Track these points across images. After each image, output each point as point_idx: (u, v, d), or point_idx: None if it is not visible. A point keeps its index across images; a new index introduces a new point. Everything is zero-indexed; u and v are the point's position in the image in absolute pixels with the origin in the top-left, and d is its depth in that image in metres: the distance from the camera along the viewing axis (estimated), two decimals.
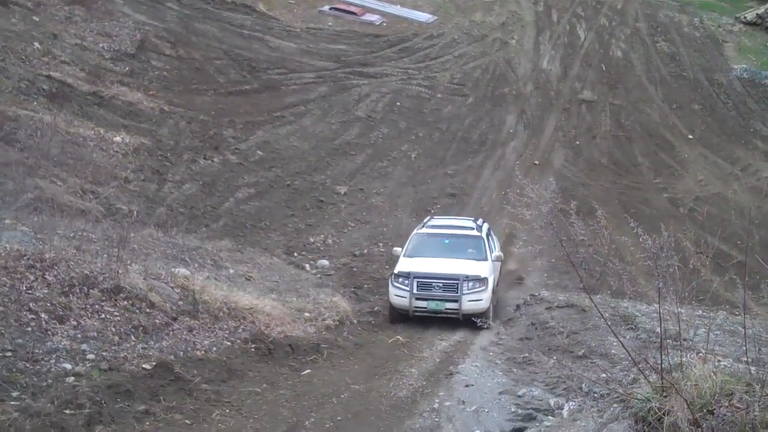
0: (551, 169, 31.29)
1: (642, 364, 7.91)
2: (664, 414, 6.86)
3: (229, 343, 12.75)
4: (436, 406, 11.79)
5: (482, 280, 18.99)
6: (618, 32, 44.23)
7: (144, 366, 10.40)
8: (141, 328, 11.68)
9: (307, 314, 16.25)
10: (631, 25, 45.06)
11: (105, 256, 13.33)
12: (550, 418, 10.94)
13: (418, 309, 18.88)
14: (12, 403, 8.24)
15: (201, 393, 10.62)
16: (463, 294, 18.74)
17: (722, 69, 41.83)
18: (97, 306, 11.54)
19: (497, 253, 21.08)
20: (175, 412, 9.84)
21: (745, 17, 47.75)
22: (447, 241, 20.86)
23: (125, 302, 12.05)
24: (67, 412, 8.59)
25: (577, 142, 34.39)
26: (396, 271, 19.45)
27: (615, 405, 8.96)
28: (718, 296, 15.86)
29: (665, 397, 7.04)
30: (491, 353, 15.62)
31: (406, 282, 18.93)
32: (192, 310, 13.16)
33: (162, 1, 37.20)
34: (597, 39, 43.32)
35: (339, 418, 10.85)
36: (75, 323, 10.79)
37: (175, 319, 12.60)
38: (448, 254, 20.05)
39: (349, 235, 25.19)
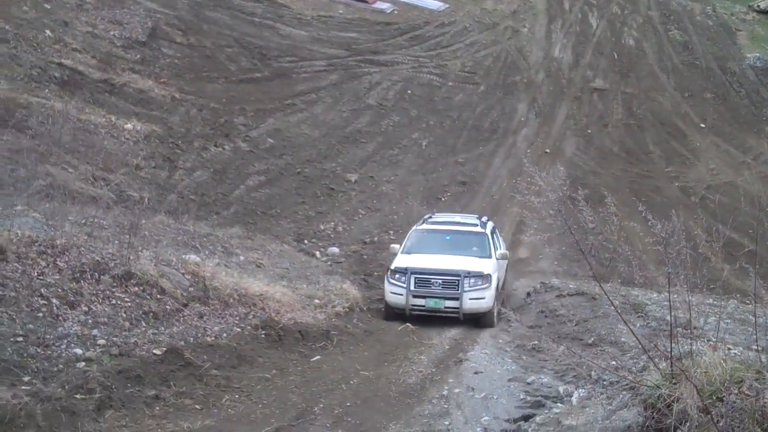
0: (562, 158, 31.21)
1: (652, 351, 7.89)
2: (673, 401, 6.85)
3: (239, 330, 12.78)
4: (445, 392, 11.81)
5: (485, 277, 17.77)
6: (630, 20, 44.01)
7: (154, 351, 10.44)
8: (152, 314, 11.72)
9: (317, 301, 16.28)
10: (644, 14, 44.83)
11: (116, 242, 13.39)
12: (559, 405, 10.95)
13: (415, 307, 17.62)
14: (23, 387, 8.28)
15: (211, 378, 10.65)
16: (465, 291, 17.53)
17: (735, 58, 41.60)
18: (108, 292, 11.58)
19: (502, 251, 19.99)
20: (185, 397, 9.87)
21: (758, 6, 47.38)
22: (448, 237, 19.74)
23: (136, 288, 12.08)
24: (77, 396, 8.63)
25: (589, 131, 34.29)
26: (392, 267, 18.34)
27: (624, 392, 8.95)
28: (728, 285, 15.80)
29: (675, 384, 7.02)
30: (500, 341, 15.64)
31: (403, 278, 17.73)
32: (202, 297, 13.19)
33: None
34: (609, 27, 43.14)
35: (348, 404, 10.87)
36: (86, 309, 10.83)
37: (185, 305, 12.63)
38: (450, 251, 18.92)
39: (360, 223, 25.19)
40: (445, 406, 11.12)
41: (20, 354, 8.94)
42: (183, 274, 13.68)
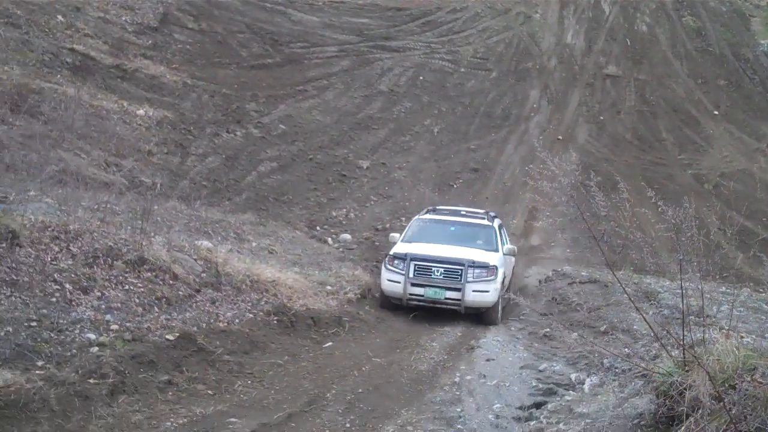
0: (575, 145, 31.14)
1: (664, 339, 7.88)
2: (685, 388, 6.83)
3: (251, 315, 12.80)
4: (457, 379, 11.81)
5: (490, 269, 16.67)
6: (643, 6, 43.81)
7: (167, 337, 10.46)
8: (164, 299, 11.74)
9: (329, 288, 16.28)
10: None
11: (129, 228, 13.41)
12: (571, 392, 10.94)
13: (413, 297, 16.53)
14: (37, 372, 8.31)
15: (223, 364, 10.68)
16: (468, 282, 16.35)
17: (749, 44, 41.41)
18: (121, 277, 11.60)
19: (510, 246, 18.92)
20: (197, 382, 9.90)
21: None
22: (453, 228, 18.66)
23: (149, 274, 12.10)
24: (91, 381, 8.65)
25: (601, 118, 34.21)
26: (391, 253, 17.26)
27: (636, 380, 8.94)
28: (742, 273, 15.77)
29: (687, 371, 7.00)
30: (513, 328, 15.66)
31: (402, 265, 16.65)
32: (215, 282, 13.21)
33: None
34: (622, 13, 42.95)
35: (360, 390, 10.88)
36: (99, 294, 10.85)
37: (198, 290, 12.65)
38: (453, 242, 17.80)
39: (372, 210, 25.20)
40: (457, 392, 11.12)
41: (34, 339, 8.96)
42: (195, 259, 13.70)
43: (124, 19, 30.82)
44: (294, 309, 13.79)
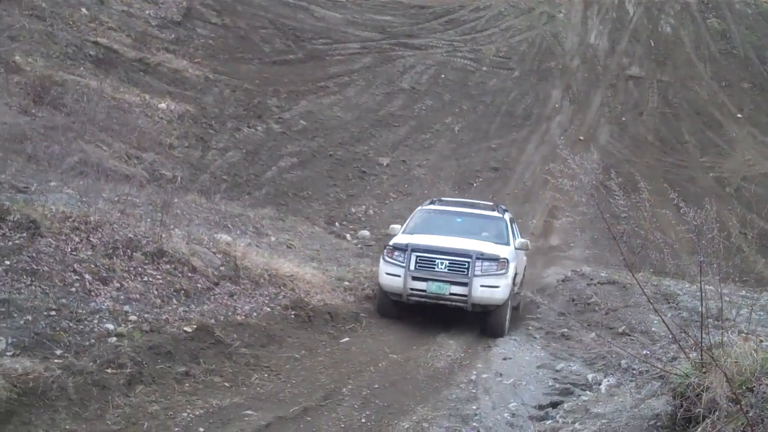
0: (596, 145, 31.01)
1: (682, 340, 7.84)
2: (703, 390, 6.80)
3: (269, 309, 12.82)
4: (473, 377, 11.81)
5: (501, 262, 14.92)
6: (667, 7, 43.55)
7: (185, 329, 10.49)
8: (183, 291, 11.78)
9: (346, 283, 16.29)
10: (681, 1, 44.31)
11: (149, 220, 13.47)
12: (588, 392, 10.92)
13: (414, 292, 14.80)
14: (56, 360, 8.35)
15: (240, 357, 10.70)
16: (475, 276, 14.64)
17: None
18: (140, 269, 11.64)
19: (523, 240, 17.14)
20: (214, 374, 9.93)
21: None
22: (459, 220, 17.09)
23: (168, 266, 12.15)
24: (108, 371, 8.69)
25: (624, 119, 34.07)
26: (390, 243, 15.58)
27: (654, 381, 8.91)
28: (762, 277, 15.69)
29: (705, 373, 6.97)
30: (530, 327, 15.61)
31: (402, 257, 14.93)
32: (233, 276, 13.25)
33: None
34: (646, 14, 42.73)
35: (376, 386, 10.89)
36: (118, 285, 10.90)
37: (216, 284, 12.69)
38: (460, 234, 16.08)
39: (391, 207, 25.21)
40: (473, 390, 11.11)
41: (53, 328, 9.01)
42: (214, 253, 13.74)
43: (147, 12, 30.93)
44: (311, 304, 13.82)
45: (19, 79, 21.03)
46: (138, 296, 10.92)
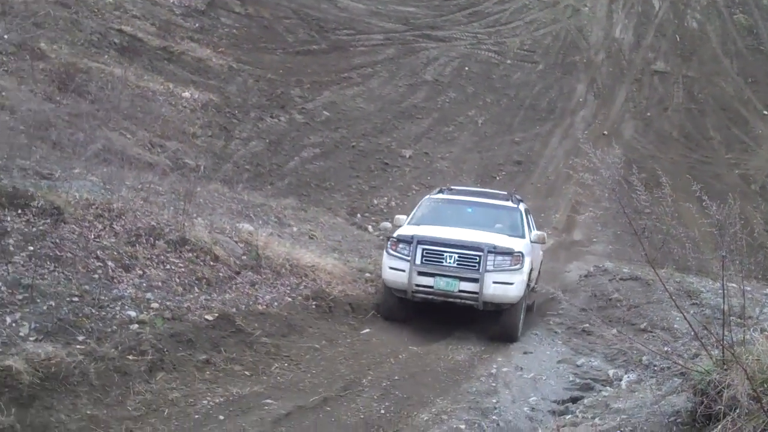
0: (621, 140, 30.83)
1: (704, 338, 7.80)
2: (723, 387, 6.77)
3: (290, 299, 12.85)
4: (493, 371, 11.79)
5: (515, 256, 13.74)
6: (693, 2, 43.21)
7: (206, 317, 10.53)
8: (204, 280, 11.82)
9: (368, 275, 16.28)
10: None
11: (171, 208, 13.54)
12: (608, 388, 10.89)
13: (420, 288, 13.63)
14: (77, 346, 8.40)
15: (261, 346, 10.73)
16: (487, 272, 13.44)
17: None
18: (162, 257, 11.70)
19: (539, 232, 15.92)
20: (235, 363, 9.97)
21: None
22: (470, 210, 15.83)
23: (190, 254, 12.20)
24: (130, 357, 8.74)
25: (648, 114, 33.87)
26: (394, 235, 14.40)
27: (674, 378, 8.87)
28: None
29: (726, 370, 6.94)
30: (551, 322, 15.54)
31: (407, 250, 13.74)
32: (255, 265, 13.28)
33: None
34: (672, 9, 42.41)
35: (396, 377, 10.89)
36: (140, 272, 10.96)
37: (238, 273, 12.73)
38: (471, 225, 14.78)
39: (413, 199, 25.13)
40: (493, 384, 11.10)
41: (75, 314, 9.06)
42: (236, 242, 13.78)
43: (171, 1, 30.99)
44: (332, 294, 13.83)
45: (44, 66, 21.14)
46: (160, 284, 10.98)
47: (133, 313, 9.72)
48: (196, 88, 26.16)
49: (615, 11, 41.64)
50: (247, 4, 33.97)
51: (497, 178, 27.45)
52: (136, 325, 9.44)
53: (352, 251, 18.20)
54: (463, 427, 9.06)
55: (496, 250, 13.61)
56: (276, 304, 12.40)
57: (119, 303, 9.84)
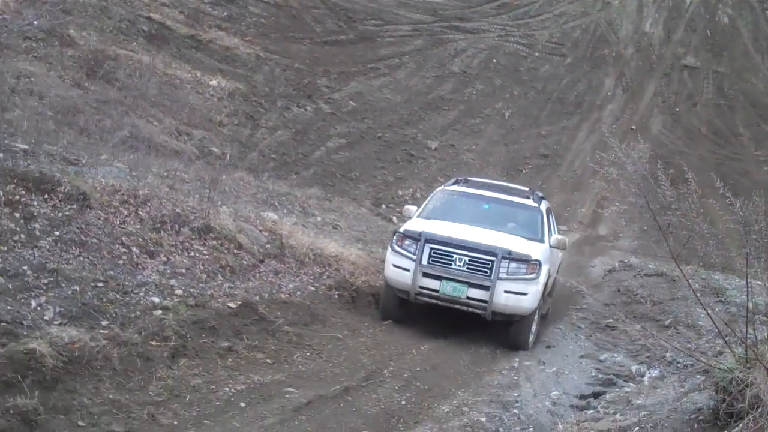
0: (649, 135, 30.56)
1: (728, 336, 7.75)
2: (746, 386, 6.73)
3: (313, 289, 12.87)
4: (515, 364, 11.79)
5: (532, 264, 12.58)
6: None
7: (229, 305, 10.57)
8: (228, 267, 11.87)
9: None
10: None
11: (197, 196, 13.60)
12: (631, 384, 10.87)
13: (424, 291, 12.63)
14: (101, 331, 8.45)
15: (283, 334, 10.76)
16: (500, 279, 12.32)
17: None
18: (186, 244, 11.76)
19: (559, 236, 14.81)
20: (257, 351, 10.00)
21: None
22: (487, 206, 14.46)
23: (214, 242, 12.25)
24: (153, 343, 8.78)
25: (677, 109, 33.57)
26: (401, 230, 13.33)
27: (697, 375, 8.83)
28: None
29: (749, 368, 6.90)
30: (574, 317, 15.48)
31: (414, 247, 12.62)
32: (278, 254, 13.32)
33: None
34: (703, 3, 41.95)
35: (417, 368, 10.91)
36: (165, 259, 11.01)
37: (261, 261, 12.77)
38: (486, 224, 13.62)
39: None
40: (515, 377, 11.09)
41: (100, 299, 9.12)
42: (260, 230, 13.83)
43: None
44: (356, 285, 13.85)
45: (73, 52, 21.28)
46: (184, 271, 11.03)
47: (156, 299, 9.77)
48: (223, 77, 26.23)
49: (645, 5, 41.26)
50: None
51: (524, 171, 27.34)
52: (160, 311, 9.49)
53: (376, 242, 18.19)
54: (483, 419, 9.06)
55: (511, 256, 12.51)
56: (299, 293, 12.43)
57: (143, 289, 9.90)
